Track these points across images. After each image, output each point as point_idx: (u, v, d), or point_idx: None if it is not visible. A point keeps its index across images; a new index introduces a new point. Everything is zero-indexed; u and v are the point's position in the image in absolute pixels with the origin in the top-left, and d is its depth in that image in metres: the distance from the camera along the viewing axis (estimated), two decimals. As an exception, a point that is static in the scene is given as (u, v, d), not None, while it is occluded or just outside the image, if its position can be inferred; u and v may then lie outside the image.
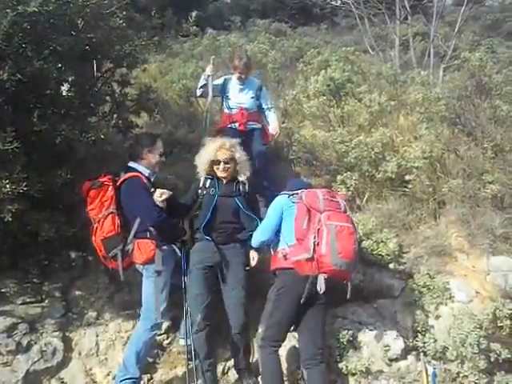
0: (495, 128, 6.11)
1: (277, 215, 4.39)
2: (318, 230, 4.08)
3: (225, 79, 6.05)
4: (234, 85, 5.99)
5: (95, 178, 4.32)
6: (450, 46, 10.87)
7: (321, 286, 4.01)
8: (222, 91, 6.02)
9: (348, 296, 4.22)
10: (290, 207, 4.34)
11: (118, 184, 4.32)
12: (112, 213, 4.24)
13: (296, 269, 4.11)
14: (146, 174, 4.44)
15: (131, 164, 4.49)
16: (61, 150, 4.54)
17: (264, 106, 6.09)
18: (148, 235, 4.26)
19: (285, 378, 4.31)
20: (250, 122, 5.99)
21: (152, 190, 4.32)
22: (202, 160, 4.62)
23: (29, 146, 4.27)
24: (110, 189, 4.29)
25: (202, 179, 4.62)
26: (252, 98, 6.00)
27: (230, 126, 5.95)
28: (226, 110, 6.05)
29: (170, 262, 4.33)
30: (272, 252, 4.46)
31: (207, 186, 4.57)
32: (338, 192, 4.81)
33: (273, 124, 6.03)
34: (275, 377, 4.10)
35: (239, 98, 5.97)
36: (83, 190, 4.32)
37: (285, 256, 4.21)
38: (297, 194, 4.36)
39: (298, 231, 4.16)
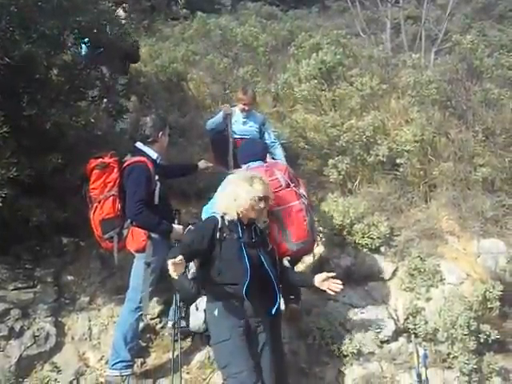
0: (486, 111, 6.13)
1: None
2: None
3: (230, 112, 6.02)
4: (237, 117, 5.99)
5: (100, 157, 4.24)
6: (442, 29, 10.85)
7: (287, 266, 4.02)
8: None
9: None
10: None
11: (123, 166, 4.26)
12: (114, 195, 4.19)
13: None
14: (154, 157, 4.34)
15: (140, 146, 4.38)
16: (51, 135, 4.51)
17: (267, 141, 5.99)
18: None
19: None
20: None
21: (157, 178, 4.27)
22: (241, 196, 3.56)
23: (19, 130, 4.24)
24: (115, 171, 4.22)
25: (220, 218, 3.61)
26: (256, 131, 6.01)
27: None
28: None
29: (162, 249, 4.28)
30: None
31: (227, 226, 3.60)
32: (276, 165, 4.48)
33: (281, 159, 5.95)
34: None
35: (243, 130, 5.97)
36: (87, 167, 4.24)
37: None
38: None
39: None
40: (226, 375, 3.44)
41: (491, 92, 6.33)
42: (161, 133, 4.40)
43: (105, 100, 5.46)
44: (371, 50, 8.97)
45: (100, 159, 4.23)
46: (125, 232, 4.22)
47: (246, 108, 5.90)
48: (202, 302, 3.77)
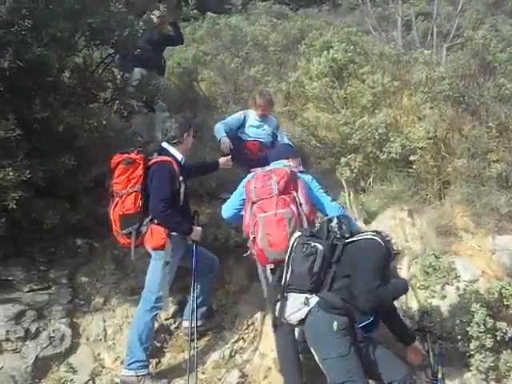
0: (499, 107, 6.04)
1: (239, 197, 4.34)
2: (255, 222, 3.99)
3: (244, 116, 6.06)
4: (252, 121, 6.04)
5: (126, 153, 4.28)
6: (453, 24, 10.73)
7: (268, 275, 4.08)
8: (240, 126, 6.03)
9: None
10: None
11: (148, 164, 4.30)
12: (136, 192, 4.21)
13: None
14: (179, 158, 4.42)
15: (166, 146, 4.46)
16: (63, 137, 4.55)
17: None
18: None
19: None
20: (262, 153, 5.82)
21: (181, 178, 4.29)
22: None
23: (31, 133, 4.28)
24: (140, 167, 4.25)
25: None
26: (269, 134, 6.07)
27: (242, 151, 5.92)
28: (241, 137, 6.05)
29: (180, 248, 4.33)
30: None
31: None
32: (276, 170, 4.27)
33: None
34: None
35: (257, 133, 6.02)
36: (112, 162, 4.27)
37: (248, 247, 4.15)
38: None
39: (245, 225, 4.12)
40: None
41: (504, 87, 6.24)
42: (186, 134, 4.50)
43: (116, 102, 5.49)
44: (382, 47, 8.88)
45: (126, 154, 4.26)
46: (143, 229, 4.24)
47: (266, 113, 5.94)
48: (314, 300, 3.56)
